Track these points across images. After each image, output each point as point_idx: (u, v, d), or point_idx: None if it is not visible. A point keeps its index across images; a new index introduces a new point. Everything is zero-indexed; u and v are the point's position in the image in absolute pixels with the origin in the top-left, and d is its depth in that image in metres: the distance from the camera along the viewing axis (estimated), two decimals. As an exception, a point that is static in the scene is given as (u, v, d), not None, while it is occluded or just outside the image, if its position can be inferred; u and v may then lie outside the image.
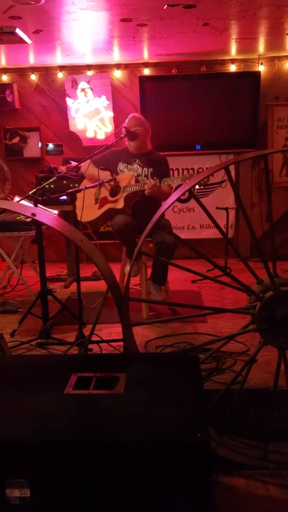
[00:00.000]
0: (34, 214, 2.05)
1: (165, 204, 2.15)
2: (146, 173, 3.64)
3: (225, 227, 5.06)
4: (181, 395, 1.73)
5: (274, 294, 2.05)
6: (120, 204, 3.48)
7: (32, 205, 2.87)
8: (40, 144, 5.38)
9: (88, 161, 3.65)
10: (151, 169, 3.64)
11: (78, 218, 3.20)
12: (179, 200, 5.62)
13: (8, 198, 4.92)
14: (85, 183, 3.69)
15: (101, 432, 1.51)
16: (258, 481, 2.14)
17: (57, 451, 1.45)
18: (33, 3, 3.09)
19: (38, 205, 2.97)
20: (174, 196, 2.11)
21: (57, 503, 1.47)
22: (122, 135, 3.46)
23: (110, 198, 3.55)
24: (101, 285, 4.52)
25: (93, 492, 1.46)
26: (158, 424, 1.54)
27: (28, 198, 3.13)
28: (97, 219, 3.59)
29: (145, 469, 1.47)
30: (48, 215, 2.21)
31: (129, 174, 3.57)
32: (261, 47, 4.83)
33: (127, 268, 3.70)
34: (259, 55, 5.15)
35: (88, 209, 3.59)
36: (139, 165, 3.66)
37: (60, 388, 1.76)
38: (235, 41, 4.53)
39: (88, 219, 3.61)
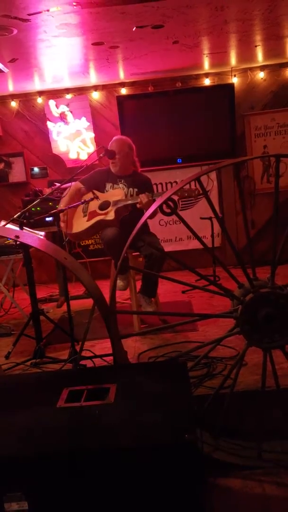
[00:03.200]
0: (17, 237, 2.13)
1: (144, 216, 2.23)
2: (132, 193, 3.73)
3: (211, 236, 5.14)
4: (169, 400, 1.78)
5: (254, 296, 2.12)
6: (111, 216, 3.54)
7: (17, 228, 2.94)
8: (24, 169, 5.47)
9: (74, 182, 3.72)
10: (136, 189, 3.72)
11: (64, 230, 3.25)
12: (164, 213, 5.73)
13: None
14: (66, 201, 3.73)
15: (92, 440, 1.56)
16: (254, 480, 2.18)
17: (50, 462, 1.50)
18: (6, 34, 3.21)
19: (24, 227, 3.04)
20: (151, 208, 2.19)
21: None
22: (101, 154, 3.55)
23: (99, 211, 3.63)
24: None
25: (88, 499, 1.51)
26: (148, 429, 1.60)
27: (14, 221, 3.20)
28: (86, 230, 3.64)
29: (138, 474, 1.52)
30: (32, 236, 2.28)
31: (118, 190, 3.68)
32: (233, 59, 4.99)
33: (119, 282, 3.76)
34: (232, 68, 5.30)
35: (76, 221, 3.65)
36: (125, 185, 3.75)
37: (52, 403, 1.81)
38: (207, 56, 4.68)
39: (77, 230, 3.65)
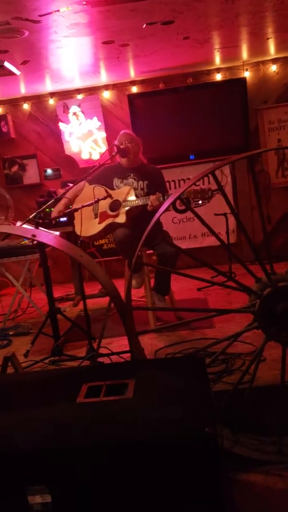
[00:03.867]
0: (34, 235, 2.14)
1: (157, 214, 2.22)
2: (142, 186, 3.70)
3: (226, 233, 5.10)
4: (187, 395, 1.78)
5: (272, 291, 2.10)
6: (122, 219, 3.54)
7: (33, 228, 2.96)
8: (38, 170, 5.51)
9: (83, 182, 3.73)
10: (146, 182, 3.70)
11: (78, 232, 3.27)
12: (177, 211, 5.69)
13: (11, 224, 5.04)
14: (80, 201, 3.75)
15: (112, 435, 1.57)
16: (276, 475, 2.17)
17: (71, 456, 1.51)
18: (18, 36, 3.23)
19: (40, 228, 3.06)
20: (164, 206, 2.18)
21: (76, 506, 1.53)
22: (113, 153, 3.55)
23: (110, 213, 3.63)
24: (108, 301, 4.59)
25: (109, 493, 1.52)
26: (168, 423, 1.59)
27: (29, 222, 3.23)
28: (99, 233, 3.66)
29: (158, 468, 1.52)
30: (48, 235, 2.30)
31: (126, 188, 3.64)
32: (245, 53, 4.95)
33: (133, 280, 3.77)
34: (244, 62, 5.26)
35: (88, 223, 3.66)
36: (134, 179, 3.73)
37: (72, 398, 1.82)
38: (218, 51, 4.65)
39: (90, 234, 3.67)
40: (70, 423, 1.65)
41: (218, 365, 2.80)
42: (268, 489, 2.09)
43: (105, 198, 3.38)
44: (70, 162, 5.51)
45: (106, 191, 3.35)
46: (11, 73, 4.00)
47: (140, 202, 3.50)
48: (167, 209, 2.76)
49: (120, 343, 3.38)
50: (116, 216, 3.58)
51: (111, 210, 3.62)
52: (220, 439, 1.93)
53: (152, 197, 3.40)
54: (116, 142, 3.69)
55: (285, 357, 2.21)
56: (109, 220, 3.61)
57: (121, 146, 3.64)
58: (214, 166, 2.08)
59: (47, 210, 4.38)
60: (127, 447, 1.52)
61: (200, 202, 2.98)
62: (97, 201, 3.33)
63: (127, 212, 3.52)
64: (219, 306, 4.06)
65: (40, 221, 2.98)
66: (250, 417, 2.41)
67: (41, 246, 3.28)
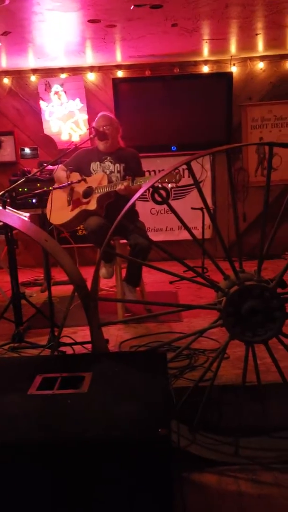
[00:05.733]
0: (-3, 215, 2.04)
1: (129, 202, 2.14)
2: (119, 169, 3.64)
3: (202, 228, 5.06)
4: (145, 392, 1.72)
5: (238, 289, 2.05)
6: (93, 206, 3.45)
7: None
8: (14, 148, 5.34)
9: (59, 165, 3.63)
10: (123, 165, 3.64)
11: (48, 218, 3.17)
12: (156, 202, 5.65)
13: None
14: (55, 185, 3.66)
15: (61, 431, 1.49)
16: (230, 477, 2.15)
17: (13, 451, 1.43)
18: (-2, 3, 3.08)
19: (8, 207, 2.94)
20: (137, 194, 2.10)
21: (19, 503, 1.45)
22: (91, 135, 3.44)
23: (83, 200, 3.53)
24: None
25: (56, 490, 1.44)
26: (121, 421, 1.53)
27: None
28: (70, 221, 3.56)
29: (108, 466, 1.45)
30: (12, 216, 2.19)
31: (100, 175, 3.56)
32: (233, 47, 4.87)
33: (103, 270, 3.69)
34: (231, 56, 5.19)
35: (61, 211, 3.56)
36: (111, 162, 3.65)
37: (23, 390, 1.74)
38: (206, 42, 4.56)
39: (61, 221, 3.58)
40: (17, 416, 1.57)
41: (182, 360, 2.75)
42: (220, 491, 2.06)
43: (79, 181, 3.27)
44: (48, 142, 5.35)
45: (80, 176, 3.25)
46: (-10, 43, 3.84)
47: (109, 188, 3.42)
48: (140, 197, 2.69)
49: (86, 333, 3.28)
50: (88, 203, 3.49)
51: (84, 197, 3.53)
52: (177, 437, 1.88)
53: (121, 182, 3.37)
54: (94, 125, 3.58)
55: (248, 357, 2.18)
56: (81, 207, 3.52)
57: (100, 130, 3.54)
58: (190, 158, 2.01)
59: (20, 189, 4.26)
60: (75, 444, 1.45)
61: (169, 185, 2.91)
62: (69, 184, 3.22)
63: (98, 199, 3.44)
64: (189, 300, 4.02)
65: (8, 200, 2.85)
66: (209, 416, 2.38)
67: (7, 227, 3.16)
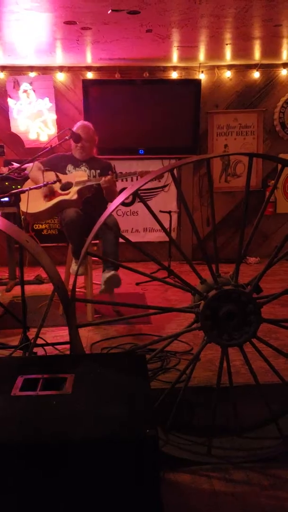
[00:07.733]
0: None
1: (112, 205, 2.17)
2: (94, 174, 3.72)
3: (169, 230, 5.14)
4: (129, 393, 1.75)
5: (217, 293, 2.12)
6: (74, 196, 3.47)
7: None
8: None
9: (35, 162, 3.62)
10: (98, 171, 3.74)
11: (24, 210, 3.14)
12: (123, 203, 5.68)
13: None
14: (29, 184, 3.63)
15: (49, 432, 1.50)
16: (203, 476, 2.21)
17: (3, 452, 1.43)
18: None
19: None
20: (121, 198, 2.13)
21: (6, 503, 1.45)
22: (66, 137, 3.44)
23: (61, 192, 3.55)
24: (44, 289, 4.46)
25: (41, 491, 1.45)
26: (108, 421, 1.56)
27: None
28: (47, 210, 3.53)
29: (94, 467, 1.47)
30: (-8, 216, 2.17)
31: (79, 172, 3.66)
32: (202, 55, 4.98)
33: (73, 267, 3.63)
34: (200, 64, 5.30)
35: (35, 202, 3.52)
36: (86, 167, 3.75)
37: (6, 391, 1.73)
38: (177, 49, 4.64)
39: (37, 210, 3.53)
40: (3, 417, 1.56)
41: (154, 362, 2.80)
42: (194, 489, 2.12)
43: (54, 182, 3.26)
44: (15, 140, 5.27)
45: (56, 176, 3.24)
46: None
47: (93, 181, 3.52)
48: (112, 194, 2.67)
49: (55, 334, 3.29)
50: (67, 194, 3.51)
51: (62, 190, 3.56)
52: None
53: (105, 177, 3.48)
54: (73, 129, 3.64)
55: (223, 360, 2.25)
56: (60, 198, 3.52)
57: (75, 131, 3.57)
58: (174, 164, 2.06)
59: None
60: (63, 445, 1.47)
61: (151, 191, 3.04)
62: (45, 185, 3.20)
63: (79, 191, 3.50)
64: (156, 302, 4.07)
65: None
66: (182, 417, 2.44)
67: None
